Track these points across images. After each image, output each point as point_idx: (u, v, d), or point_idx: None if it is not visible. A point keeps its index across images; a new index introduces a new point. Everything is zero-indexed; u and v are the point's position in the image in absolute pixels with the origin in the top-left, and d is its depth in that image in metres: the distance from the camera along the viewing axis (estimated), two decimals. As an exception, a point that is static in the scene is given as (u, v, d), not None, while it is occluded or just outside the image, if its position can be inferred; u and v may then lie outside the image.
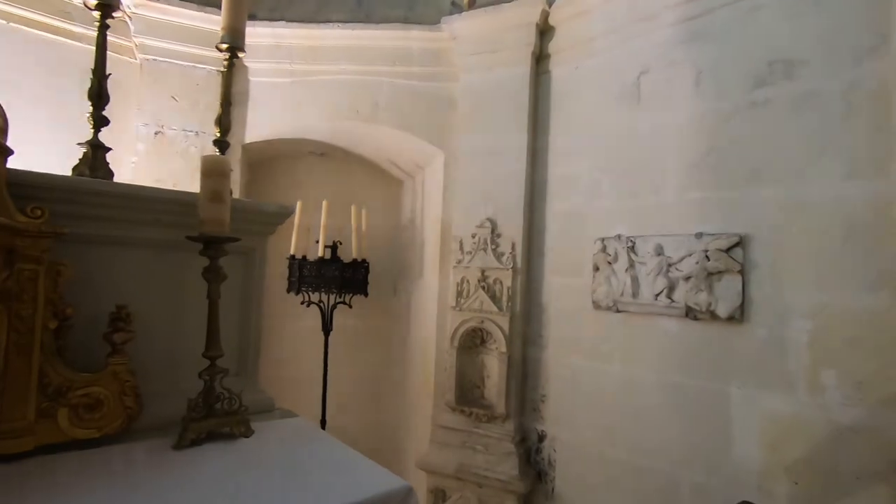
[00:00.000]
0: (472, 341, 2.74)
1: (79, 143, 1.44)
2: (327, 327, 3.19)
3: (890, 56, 1.53)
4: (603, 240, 2.32)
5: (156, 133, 2.75)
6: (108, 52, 2.48)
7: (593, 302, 2.35)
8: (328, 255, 3.11)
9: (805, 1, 1.77)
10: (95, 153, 1.43)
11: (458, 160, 2.84)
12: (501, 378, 2.59)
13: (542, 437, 2.59)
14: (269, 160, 3.53)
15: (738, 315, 1.87)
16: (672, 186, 2.11)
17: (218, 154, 1.59)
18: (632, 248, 2.21)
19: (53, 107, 2.54)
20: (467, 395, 2.72)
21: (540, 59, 2.70)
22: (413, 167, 3.52)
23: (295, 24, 2.91)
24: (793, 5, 1.80)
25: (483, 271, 2.68)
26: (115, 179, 1.54)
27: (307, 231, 3.14)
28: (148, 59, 2.74)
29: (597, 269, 2.35)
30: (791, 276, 1.77)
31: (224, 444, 1.35)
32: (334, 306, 3.18)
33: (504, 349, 2.58)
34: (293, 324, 3.47)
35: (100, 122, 1.44)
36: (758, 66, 1.86)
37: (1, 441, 1.08)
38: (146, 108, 2.74)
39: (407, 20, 2.94)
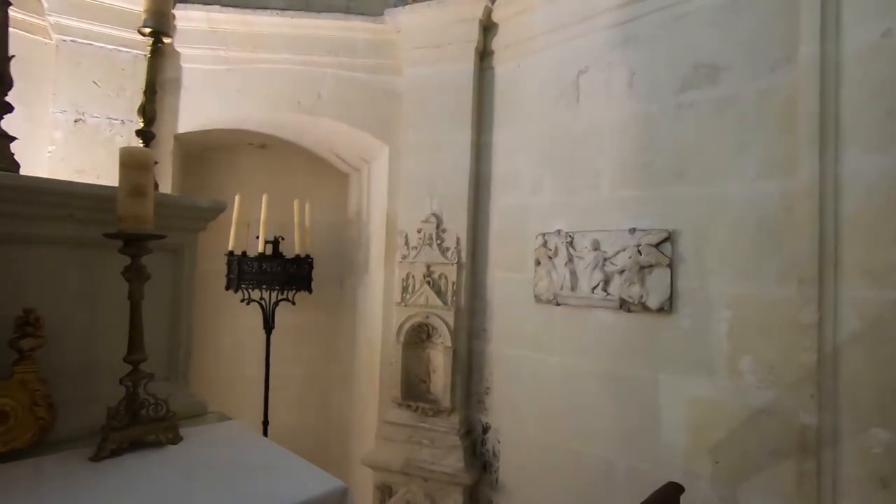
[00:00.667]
0: (418, 336, 2.74)
1: (-23, 133, 1.31)
2: (269, 325, 3.09)
3: (798, 66, 1.65)
4: (544, 235, 2.38)
5: (76, 121, 2.56)
6: (16, 31, 2.28)
7: (535, 296, 2.41)
8: (269, 251, 3.02)
9: (729, 10, 1.88)
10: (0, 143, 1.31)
11: (403, 154, 2.82)
12: (447, 372, 2.61)
13: (486, 429, 2.64)
14: (205, 152, 3.36)
15: (667, 306, 1.98)
16: (607, 184, 2.19)
17: (140, 146, 1.50)
18: (570, 243, 2.28)
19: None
20: (413, 389, 2.73)
21: (484, 55, 2.72)
22: (358, 161, 3.46)
23: (230, 9, 2.77)
24: (718, 13, 1.90)
25: (428, 266, 2.68)
26: (29, 172, 1.42)
27: (247, 226, 3.03)
28: (65, 41, 2.53)
29: (538, 263, 2.40)
30: (713, 268, 1.89)
31: (149, 452, 1.28)
32: (276, 303, 3.10)
33: (449, 343, 2.60)
34: (233, 322, 3.34)
35: (2, 108, 1.32)
36: (685, 70, 1.96)
37: None
38: (63, 94, 2.53)
39: (349, 10, 2.88)
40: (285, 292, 3.07)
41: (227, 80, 2.85)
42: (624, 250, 2.09)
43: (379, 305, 2.98)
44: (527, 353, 2.47)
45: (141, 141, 1.57)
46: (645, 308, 2.03)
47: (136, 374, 1.31)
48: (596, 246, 2.18)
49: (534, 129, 2.50)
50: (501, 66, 2.69)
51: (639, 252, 2.04)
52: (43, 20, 2.53)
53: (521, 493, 2.47)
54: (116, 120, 2.62)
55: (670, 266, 1.98)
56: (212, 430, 1.48)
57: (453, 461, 2.53)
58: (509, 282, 2.59)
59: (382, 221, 3.01)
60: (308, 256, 3.15)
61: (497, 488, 2.56)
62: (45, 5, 2.47)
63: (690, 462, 1.91)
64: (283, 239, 3.12)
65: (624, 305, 2.08)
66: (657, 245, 2.00)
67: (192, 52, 2.79)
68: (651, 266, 2.02)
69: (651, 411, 2.02)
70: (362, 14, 2.84)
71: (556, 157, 2.39)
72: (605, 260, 2.16)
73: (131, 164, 1.28)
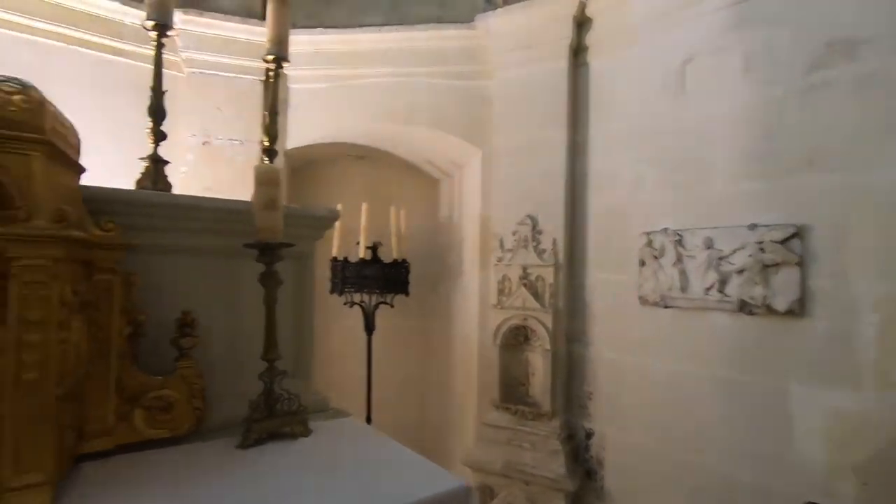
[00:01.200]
0: (516, 339, 2.73)
1: (140, 158, 1.52)
2: (370, 327, 3.24)
3: (964, 30, 1.43)
4: (648, 234, 2.27)
5: (203, 143, 2.87)
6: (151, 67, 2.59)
7: (640, 297, 2.30)
8: (369, 256, 3.17)
9: (865, -24, 1.68)
10: (156, 167, 1.50)
11: (496, 158, 2.83)
12: (546, 375, 2.58)
13: (589, 435, 2.56)
14: (308, 165, 3.61)
15: (798, 308, 1.80)
16: (721, 177, 2.04)
17: (269, 163, 1.63)
18: (679, 242, 2.15)
19: (108, 122, 2.68)
20: (512, 392, 2.72)
21: (577, 51, 2.66)
22: (450, 166, 3.53)
23: (332, 30, 2.96)
24: (851, -18, 1.71)
25: (524, 268, 2.66)
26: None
27: (347, 233, 3.21)
28: (195, 73, 2.85)
29: (643, 263, 2.30)
30: (854, 267, 1.68)
31: (285, 443, 1.39)
32: (376, 306, 3.24)
33: (548, 346, 2.56)
34: (336, 324, 3.55)
35: (159, 136, 1.51)
36: (815, 48, 1.78)
37: (87, 441, 1.16)
38: (194, 120, 2.85)
39: (441, 19, 2.95)
40: (384, 295, 3.20)
41: (330, 96, 3.04)
42: (743, 248, 1.94)
43: (474, 308, 3.01)
44: (632, 358, 2.36)
45: (266, 158, 1.72)
46: (770, 310, 1.86)
47: (272, 371, 1.43)
48: (709, 244, 2.04)
49: (634, 123, 2.39)
50: (596, 61, 2.61)
51: (761, 250, 1.88)
52: (177, 56, 2.87)
53: None
54: (236, 140, 2.90)
55: (800, 264, 1.80)
56: (335, 425, 1.57)
57: (555, 466, 2.49)
58: (610, 283, 2.50)
59: (476, 225, 3.04)
60: (404, 261, 3.26)
61: (602, 497, 2.48)
62: (179, 43, 2.80)
63: (831, 481, 1.72)
64: (381, 244, 3.26)
65: (745, 308, 1.92)
66: (783, 241, 1.83)
67: (299, 73, 3.02)
68: (776, 265, 1.84)
69: (780, 423, 1.84)
70: (453, 22, 2.90)
71: (660, 152, 2.27)
72: (721, 259, 2.01)
73: (265, 180, 1.40)
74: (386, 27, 2.92)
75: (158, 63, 1.54)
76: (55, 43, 2.56)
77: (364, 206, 3.11)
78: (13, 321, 0.89)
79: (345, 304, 3.20)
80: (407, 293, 3.26)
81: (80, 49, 2.65)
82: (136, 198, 1.33)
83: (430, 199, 3.87)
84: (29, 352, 0.90)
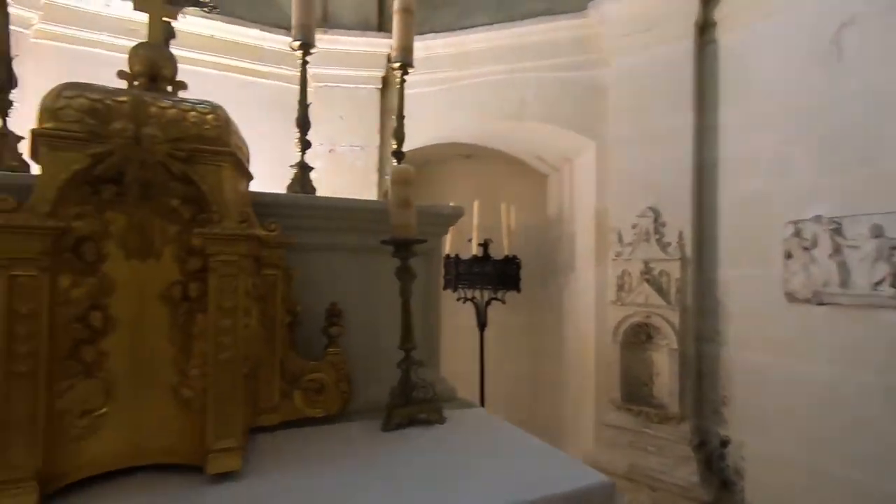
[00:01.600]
0: (637, 337, 2.60)
1: (290, 165, 1.69)
2: (482, 323, 3.29)
3: None
4: (796, 223, 2.04)
5: (329, 151, 3.11)
6: (285, 84, 2.86)
7: (786, 294, 2.07)
8: (480, 253, 3.21)
9: None
10: (303, 173, 1.66)
11: (613, 148, 2.72)
12: (673, 376, 2.42)
13: (725, 443, 2.36)
14: (420, 166, 3.75)
15: None
16: (893, 155, 1.77)
17: (405, 164, 1.72)
18: (837, 231, 1.90)
19: (248, 136, 3.01)
20: (635, 393, 2.60)
21: (704, 28, 2.46)
22: (560, 160, 3.46)
23: (442, 33, 3.05)
24: None
25: (646, 263, 2.53)
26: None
27: (458, 231, 3.28)
28: (321, 86, 3.10)
29: (789, 256, 2.07)
30: None
31: (422, 429, 1.46)
32: (488, 302, 3.27)
33: (675, 345, 2.41)
34: (449, 320, 3.62)
35: (305, 145, 1.67)
36: None
37: (258, 416, 1.32)
38: (321, 130, 3.08)
39: (550, 11, 2.90)
40: (496, 291, 3.22)
41: (440, 99, 3.13)
42: (923, 236, 1.67)
43: (589, 304, 2.92)
44: (777, 361, 2.14)
45: (395, 160, 1.83)
46: (964, 308, 1.58)
47: (409, 359, 1.51)
48: (878, 232, 1.78)
49: (777, 101, 2.16)
50: (727, 37, 2.40)
51: (949, 237, 1.60)
52: (305, 73, 3.14)
53: (775, 521, 2.15)
54: (357, 147, 3.10)
55: None
56: (466, 414, 1.62)
57: (686, 474, 2.33)
58: (748, 278, 2.29)
59: (590, 219, 2.95)
60: (515, 257, 3.26)
61: (742, 511, 2.27)
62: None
63: None
64: (491, 241, 3.29)
65: (927, 305, 1.65)
66: (983, 227, 1.54)
67: (411, 78, 3.13)
68: (972, 254, 1.56)
69: (980, 442, 1.56)
70: (564, 13, 2.84)
71: (810, 131, 2.03)
72: (893, 249, 1.74)
73: (400, 179, 1.49)
74: (495, 25, 2.94)
75: (304, 79, 1.70)
76: (209, 71, 2.94)
77: (476, 204, 3.16)
78: (212, 309, 1.04)
79: (458, 299, 3.28)
80: (518, 289, 3.26)
81: (228, 74, 3.01)
82: (295, 201, 1.49)
83: (538, 194, 3.83)
84: (224, 335, 1.05)
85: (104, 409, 1.01)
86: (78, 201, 0.97)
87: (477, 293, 3.27)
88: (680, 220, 2.45)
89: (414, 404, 1.49)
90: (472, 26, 3.02)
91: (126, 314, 1.04)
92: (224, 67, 2.98)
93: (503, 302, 3.26)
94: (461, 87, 3.11)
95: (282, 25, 3.10)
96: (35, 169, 1.31)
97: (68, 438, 0.96)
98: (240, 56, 2.99)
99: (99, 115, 0.95)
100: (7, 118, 1.33)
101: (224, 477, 1.04)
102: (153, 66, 1.20)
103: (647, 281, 2.51)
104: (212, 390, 1.04)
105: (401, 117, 1.87)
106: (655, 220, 2.52)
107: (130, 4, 1.28)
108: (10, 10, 2.56)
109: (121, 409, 1.03)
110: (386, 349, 1.63)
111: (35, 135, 0.95)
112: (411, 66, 1.81)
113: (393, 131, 1.85)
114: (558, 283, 3.55)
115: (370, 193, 3.17)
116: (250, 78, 3.04)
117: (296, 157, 1.76)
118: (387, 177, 1.89)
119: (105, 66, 2.65)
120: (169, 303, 1.08)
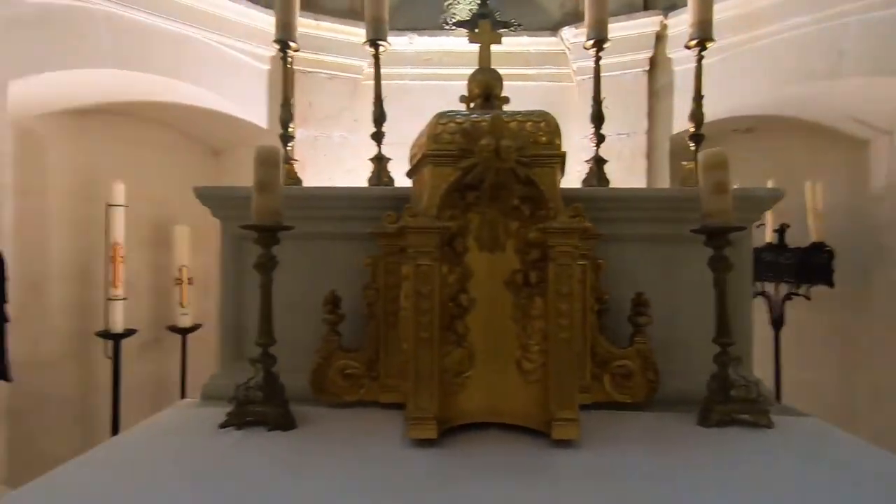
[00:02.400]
0: None
1: (586, 161, 1.78)
2: (778, 322, 2.84)
3: None
4: None
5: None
6: (548, 84, 2.96)
7: None
8: (775, 241, 2.78)
9: None
10: (598, 166, 1.73)
11: None
12: None
13: None
14: (684, 149, 3.45)
15: None
16: None
17: (717, 148, 1.63)
18: None
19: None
20: None
21: None
22: (889, 121, 2.72)
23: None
24: None
25: None
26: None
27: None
28: (583, 79, 3.13)
29: None
30: None
31: (746, 430, 1.35)
32: (786, 297, 2.80)
33: None
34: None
35: (600, 139, 1.73)
36: None
37: (580, 394, 1.43)
38: (585, 123, 3.13)
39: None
40: (798, 286, 2.74)
41: (720, 70, 2.80)
42: None
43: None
44: None
45: (692, 144, 1.74)
46: None
47: (725, 355, 1.41)
48: None
49: None
50: None
51: None
52: (567, 68, 3.23)
53: None
54: (623, 134, 3.03)
55: None
56: (798, 422, 1.45)
57: None
58: None
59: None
60: (824, 245, 2.71)
61: None
62: (570, 56, 3.14)
63: None
64: (788, 226, 2.81)
65: None
66: None
67: (682, 54, 2.90)
68: None
69: None
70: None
71: None
72: None
73: (712, 164, 1.41)
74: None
75: (597, 75, 1.77)
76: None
77: (769, 183, 2.73)
78: (552, 294, 1.18)
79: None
80: (831, 283, 2.69)
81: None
82: (600, 194, 1.56)
83: (851, 168, 3.08)
84: (562, 317, 1.18)
85: (469, 373, 1.26)
86: (450, 205, 1.22)
87: (770, 287, 2.83)
88: None
89: (734, 403, 1.39)
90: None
91: (481, 297, 1.27)
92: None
93: (808, 298, 2.75)
94: (745, 52, 2.73)
95: (545, 28, 3.25)
96: (398, 183, 1.72)
97: (448, 392, 1.22)
98: (511, 64, 3.25)
99: (467, 134, 1.18)
100: (382, 146, 1.76)
101: (564, 444, 1.17)
102: (487, 87, 1.41)
103: None
104: (553, 366, 1.18)
105: (699, 97, 1.77)
106: None
107: (426, 39, 1.55)
108: (346, 60, 3.32)
109: (480, 374, 1.26)
110: (685, 341, 1.57)
111: (423, 156, 1.23)
112: (711, 39, 1.69)
113: (691, 114, 1.76)
114: (889, 277, 2.80)
115: (638, 181, 3.06)
116: (520, 83, 3.28)
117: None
118: (684, 162, 1.81)
119: (407, 93, 3.24)
120: (512, 288, 1.27)
